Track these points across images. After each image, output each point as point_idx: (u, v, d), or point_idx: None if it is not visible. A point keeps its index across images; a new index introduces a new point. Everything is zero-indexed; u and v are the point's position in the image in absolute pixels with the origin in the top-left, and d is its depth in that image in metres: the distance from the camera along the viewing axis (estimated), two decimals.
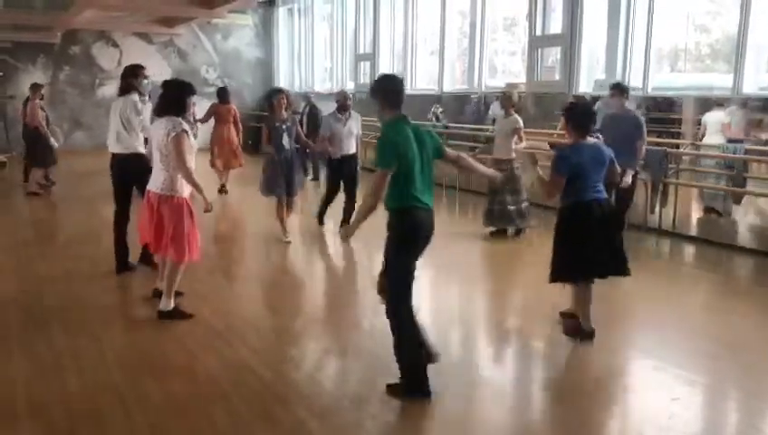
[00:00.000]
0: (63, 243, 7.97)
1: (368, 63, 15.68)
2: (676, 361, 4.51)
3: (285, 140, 7.32)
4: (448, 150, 3.96)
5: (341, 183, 7.99)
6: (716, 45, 11.73)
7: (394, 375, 3.84)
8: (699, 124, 8.99)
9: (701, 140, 8.87)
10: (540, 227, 7.94)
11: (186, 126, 4.78)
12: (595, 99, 11.45)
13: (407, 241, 3.71)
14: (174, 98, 4.85)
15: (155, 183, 4.87)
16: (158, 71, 17.78)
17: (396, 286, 3.75)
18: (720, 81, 9.95)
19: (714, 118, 8.74)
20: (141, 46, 18.52)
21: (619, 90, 6.77)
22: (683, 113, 10.73)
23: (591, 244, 4.51)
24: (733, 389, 4.18)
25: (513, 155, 7.66)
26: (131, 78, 6.15)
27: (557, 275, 4.67)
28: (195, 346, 4.57)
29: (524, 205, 7.78)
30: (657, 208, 8.35)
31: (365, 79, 15.69)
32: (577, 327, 4.70)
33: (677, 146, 9.00)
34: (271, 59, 20.34)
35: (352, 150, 7.93)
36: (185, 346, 4.56)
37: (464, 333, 5.18)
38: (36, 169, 10.90)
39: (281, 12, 20.02)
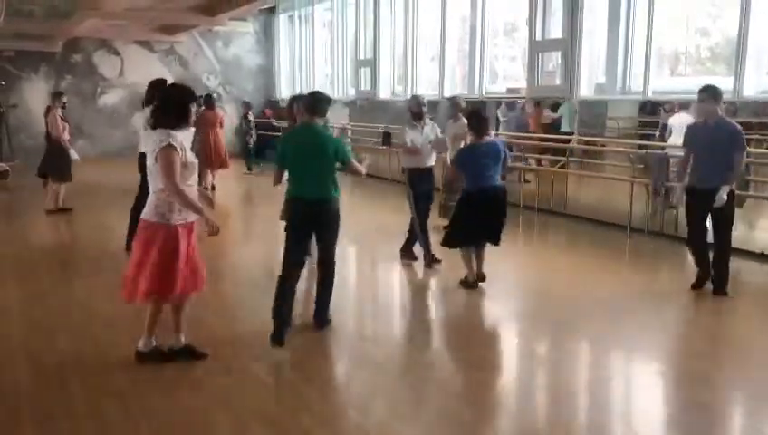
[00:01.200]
0: (67, 251, 7.97)
1: (368, 69, 15.71)
2: (678, 363, 4.51)
3: None
4: (352, 162, 4.85)
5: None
6: (716, 49, 11.74)
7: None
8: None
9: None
10: None
11: (173, 139, 3.97)
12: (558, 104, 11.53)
13: (288, 224, 4.77)
14: (174, 106, 4.08)
15: (145, 210, 4.17)
16: None
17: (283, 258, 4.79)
18: (720, 84, 9.96)
19: (679, 120, 8.74)
20: (143, 54, 18.57)
21: (711, 94, 5.62)
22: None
23: (477, 220, 5.78)
24: (736, 391, 4.17)
25: None
26: (158, 91, 6.47)
27: (447, 241, 5.97)
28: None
29: None
30: (658, 212, 8.35)
31: (366, 85, 15.72)
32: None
33: None
34: (272, 66, 20.39)
35: (430, 163, 6.89)
36: None
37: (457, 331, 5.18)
38: (55, 184, 9.80)
39: (281, 19, 20.07)
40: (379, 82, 15.34)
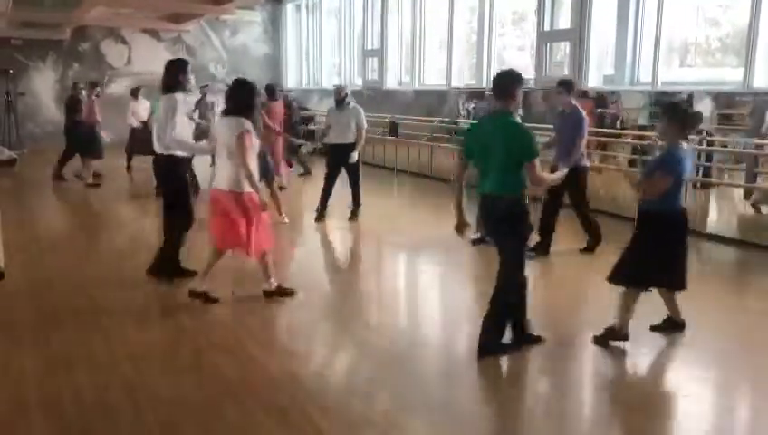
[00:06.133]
0: (74, 239, 8.00)
1: (375, 59, 15.67)
2: (687, 358, 4.49)
3: None
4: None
5: None
6: (726, 39, 11.64)
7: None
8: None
9: None
10: None
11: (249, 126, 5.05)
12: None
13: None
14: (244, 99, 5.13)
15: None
16: None
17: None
18: (731, 75, 9.88)
19: None
20: (150, 43, 18.57)
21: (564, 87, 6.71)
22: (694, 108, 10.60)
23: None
24: (745, 387, 4.15)
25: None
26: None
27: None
28: (204, 342, 4.58)
29: None
30: None
31: (373, 75, 15.69)
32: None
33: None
34: (279, 55, 20.36)
35: None
36: (194, 342, 4.57)
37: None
38: (88, 161, 11.21)
39: (289, 8, 20.04)
40: (386, 71, 15.30)
